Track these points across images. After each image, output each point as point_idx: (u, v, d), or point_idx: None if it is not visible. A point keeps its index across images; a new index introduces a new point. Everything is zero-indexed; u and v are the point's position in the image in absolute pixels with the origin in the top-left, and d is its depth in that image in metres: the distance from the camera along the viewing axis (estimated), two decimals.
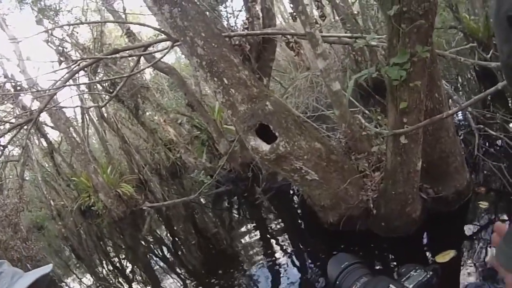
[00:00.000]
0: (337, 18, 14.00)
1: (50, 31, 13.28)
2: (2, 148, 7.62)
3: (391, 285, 1.05)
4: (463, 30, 9.66)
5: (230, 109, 5.07)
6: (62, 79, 6.76)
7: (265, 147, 4.97)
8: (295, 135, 4.95)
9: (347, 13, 12.97)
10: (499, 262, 0.93)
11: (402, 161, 4.32)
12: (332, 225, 5.51)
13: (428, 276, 1.08)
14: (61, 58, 8.68)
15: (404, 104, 3.83)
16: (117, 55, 6.77)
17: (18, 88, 10.84)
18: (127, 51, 6.95)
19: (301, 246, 6.50)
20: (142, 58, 9.21)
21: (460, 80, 11.56)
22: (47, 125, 20.73)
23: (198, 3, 5.29)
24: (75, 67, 7.24)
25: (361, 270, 1.16)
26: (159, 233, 12.25)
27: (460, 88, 11.00)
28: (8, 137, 8.30)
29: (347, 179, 5.15)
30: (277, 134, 4.92)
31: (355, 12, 13.24)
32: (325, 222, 5.67)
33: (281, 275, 5.73)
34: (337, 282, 1.18)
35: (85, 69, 8.41)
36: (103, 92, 16.49)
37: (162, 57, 7.22)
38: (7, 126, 7.65)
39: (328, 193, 5.19)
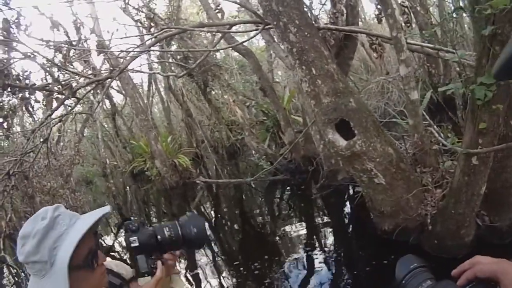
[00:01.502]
0: (414, 26, 13.80)
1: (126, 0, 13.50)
2: (76, 101, 7.84)
3: None
4: None
5: (314, 99, 5.11)
6: (146, 44, 6.90)
7: (342, 142, 5.01)
8: (372, 136, 4.97)
9: (426, 22, 12.77)
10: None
11: (469, 182, 4.28)
12: (385, 232, 5.48)
13: None
14: (152, 23, 8.84)
15: (483, 125, 3.81)
16: (204, 29, 6.85)
17: (99, 46, 11.09)
18: (214, 27, 7.04)
19: (346, 249, 6.47)
20: (217, 36, 9.32)
21: None
22: (113, 88, 21.26)
23: None
24: (158, 35, 7.38)
25: (426, 273, 1.18)
26: (206, 208, 12.40)
27: None
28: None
29: (411, 189, 5.12)
30: (356, 132, 4.94)
31: (434, 22, 13.03)
32: (379, 228, 5.65)
33: (316, 273, 5.73)
34: (403, 282, 1.21)
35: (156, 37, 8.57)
36: (173, 63, 16.68)
37: (251, 38, 7.28)
38: (81, 80, 7.85)
39: (390, 200, 5.18)
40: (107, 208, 1.59)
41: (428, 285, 1.14)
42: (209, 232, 9.47)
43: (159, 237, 1.65)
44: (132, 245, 1.60)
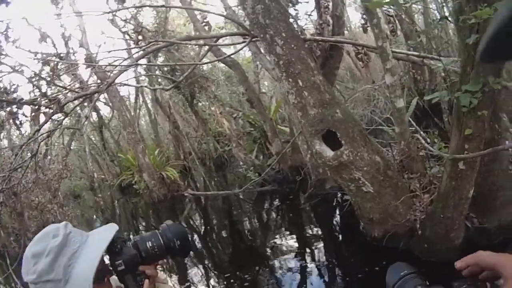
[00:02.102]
0: (399, 33, 13.90)
1: (114, 12, 13.48)
2: (64, 116, 7.81)
3: None
4: None
5: (301, 111, 5.16)
6: (134, 57, 6.91)
7: (329, 153, 5.06)
8: (359, 146, 5.03)
9: (411, 30, 12.90)
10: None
11: (456, 186, 4.36)
12: (375, 239, 5.52)
13: None
14: (139, 37, 8.87)
15: (469, 131, 3.89)
16: (192, 42, 6.89)
17: (88, 59, 11.10)
18: (201, 40, 7.08)
19: (336, 257, 6.51)
20: (204, 48, 9.31)
21: None
22: (100, 101, 21.16)
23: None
24: (145, 48, 7.41)
25: (417, 279, 1.20)
26: (194, 221, 12.36)
27: None
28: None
29: (399, 196, 5.17)
30: (343, 142, 5.00)
31: (419, 30, 13.14)
32: (368, 235, 5.68)
33: (308, 281, 5.78)
34: None
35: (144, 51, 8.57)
36: (160, 76, 16.67)
37: (238, 51, 7.32)
38: (69, 94, 7.82)
39: (379, 207, 5.23)
40: (116, 226, 1.60)
41: None
42: (198, 244, 9.45)
43: (143, 254, 1.63)
44: (119, 268, 1.58)
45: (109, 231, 1.56)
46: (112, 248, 1.56)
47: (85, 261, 1.43)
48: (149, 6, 13.75)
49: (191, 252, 8.48)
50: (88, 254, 1.45)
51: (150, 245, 1.65)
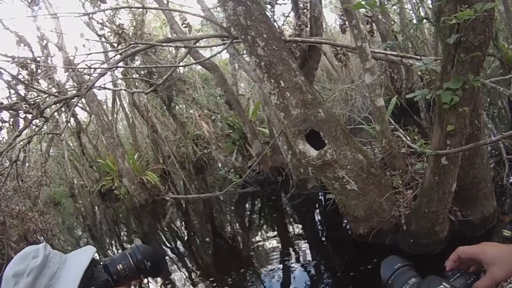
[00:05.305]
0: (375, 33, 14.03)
1: (91, 14, 13.35)
2: (44, 121, 7.73)
3: (444, 283, 1.14)
4: (501, 59, 9.64)
5: (283, 111, 5.20)
6: (113, 60, 6.86)
7: (313, 152, 5.10)
8: (342, 145, 5.08)
9: (388, 30, 13.02)
10: None
11: (439, 181, 4.43)
12: (361, 236, 5.58)
13: (472, 279, 1.17)
14: (120, 39, 8.79)
15: (451, 127, 3.94)
16: (172, 45, 6.86)
17: (66, 63, 10.97)
18: (181, 42, 7.04)
19: (323, 256, 6.49)
20: (181, 50, 9.21)
21: (491, 108, 11.52)
22: (78, 106, 20.93)
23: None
24: (124, 50, 7.34)
25: (410, 272, 1.24)
26: (176, 225, 12.29)
27: (491, 116, 10.95)
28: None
29: (383, 193, 5.24)
30: (326, 141, 5.04)
31: (395, 30, 13.29)
32: (354, 233, 5.74)
33: (296, 282, 5.75)
34: (389, 282, 1.26)
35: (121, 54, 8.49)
36: (138, 79, 16.57)
37: (219, 52, 7.29)
38: (48, 99, 7.72)
39: (363, 204, 5.28)
40: (93, 249, 1.62)
41: (414, 282, 1.20)
42: (181, 248, 9.39)
43: (114, 277, 1.64)
44: None
45: (87, 253, 1.58)
46: (84, 274, 1.53)
47: (65, 282, 1.45)
48: (127, 7, 13.67)
49: (174, 256, 8.44)
50: (68, 276, 1.46)
51: (121, 267, 1.66)
